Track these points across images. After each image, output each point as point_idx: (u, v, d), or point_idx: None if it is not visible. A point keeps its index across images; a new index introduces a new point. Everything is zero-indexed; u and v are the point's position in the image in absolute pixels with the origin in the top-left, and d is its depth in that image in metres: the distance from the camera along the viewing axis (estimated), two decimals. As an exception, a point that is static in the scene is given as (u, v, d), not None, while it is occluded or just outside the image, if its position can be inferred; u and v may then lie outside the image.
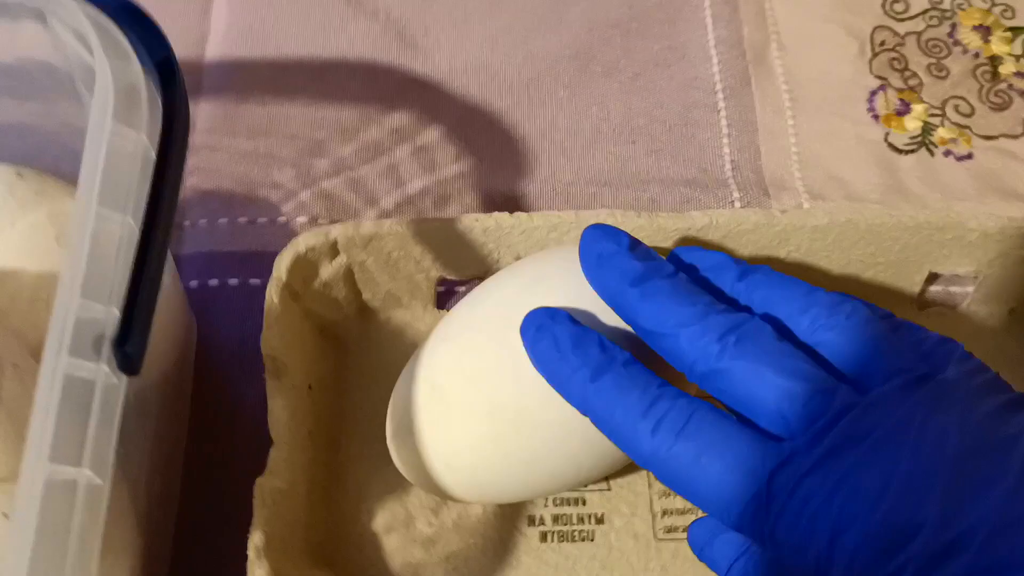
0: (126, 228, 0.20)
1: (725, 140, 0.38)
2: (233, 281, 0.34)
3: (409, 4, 0.40)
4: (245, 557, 0.26)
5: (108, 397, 0.19)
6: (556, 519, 0.31)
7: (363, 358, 0.33)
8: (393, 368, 0.33)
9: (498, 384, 0.27)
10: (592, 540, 0.31)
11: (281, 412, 0.28)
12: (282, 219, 0.36)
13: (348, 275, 0.32)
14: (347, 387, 0.32)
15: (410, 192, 0.36)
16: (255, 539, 0.26)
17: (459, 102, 0.38)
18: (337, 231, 0.30)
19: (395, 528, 0.30)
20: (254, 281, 0.34)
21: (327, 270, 0.31)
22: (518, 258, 0.32)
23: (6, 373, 0.20)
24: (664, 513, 0.31)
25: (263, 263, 0.34)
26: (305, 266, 0.30)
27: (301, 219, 0.36)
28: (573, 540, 0.31)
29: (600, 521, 0.31)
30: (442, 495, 0.29)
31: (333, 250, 0.31)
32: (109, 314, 0.19)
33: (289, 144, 0.37)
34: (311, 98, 0.38)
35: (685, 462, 0.23)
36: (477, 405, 0.27)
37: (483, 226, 0.31)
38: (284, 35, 0.39)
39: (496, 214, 0.31)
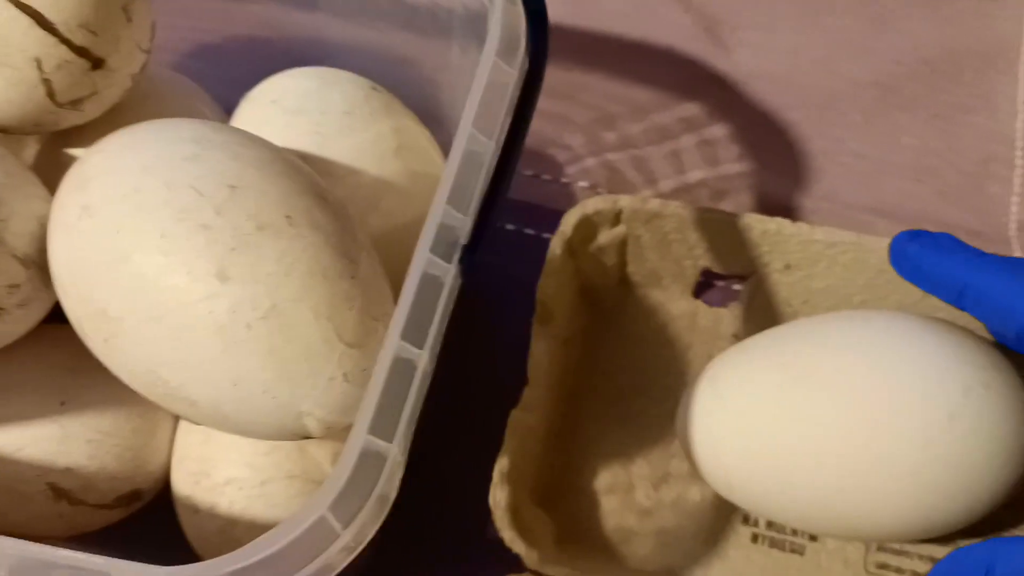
0: (488, 150, 0.22)
1: (1015, 199, 0.37)
2: (510, 227, 0.36)
3: (722, 1, 0.41)
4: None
5: (450, 295, 0.21)
6: (770, 525, 0.31)
7: (614, 326, 0.34)
8: (642, 341, 0.34)
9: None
10: (802, 555, 0.31)
11: (542, 356, 0.30)
12: (565, 180, 0.37)
13: (621, 245, 0.33)
14: (595, 349, 0.34)
15: (689, 181, 0.37)
16: (501, 464, 0.28)
17: (752, 105, 0.39)
18: (625, 202, 0.32)
19: (615, 491, 0.32)
20: (528, 231, 0.36)
21: (605, 236, 0.32)
22: (787, 266, 0.32)
23: (363, 255, 0.22)
24: (879, 548, 0.31)
25: (540, 215, 0.36)
26: (588, 227, 0.32)
27: (582, 183, 0.37)
28: (783, 549, 0.31)
29: (814, 539, 0.31)
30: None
31: (616, 219, 0.32)
32: (464, 223, 0.21)
33: (584, 112, 0.38)
34: (612, 73, 0.39)
35: None
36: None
37: (763, 227, 0.31)
38: (599, 6, 0.40)
39: (779, 219, 0.31)
